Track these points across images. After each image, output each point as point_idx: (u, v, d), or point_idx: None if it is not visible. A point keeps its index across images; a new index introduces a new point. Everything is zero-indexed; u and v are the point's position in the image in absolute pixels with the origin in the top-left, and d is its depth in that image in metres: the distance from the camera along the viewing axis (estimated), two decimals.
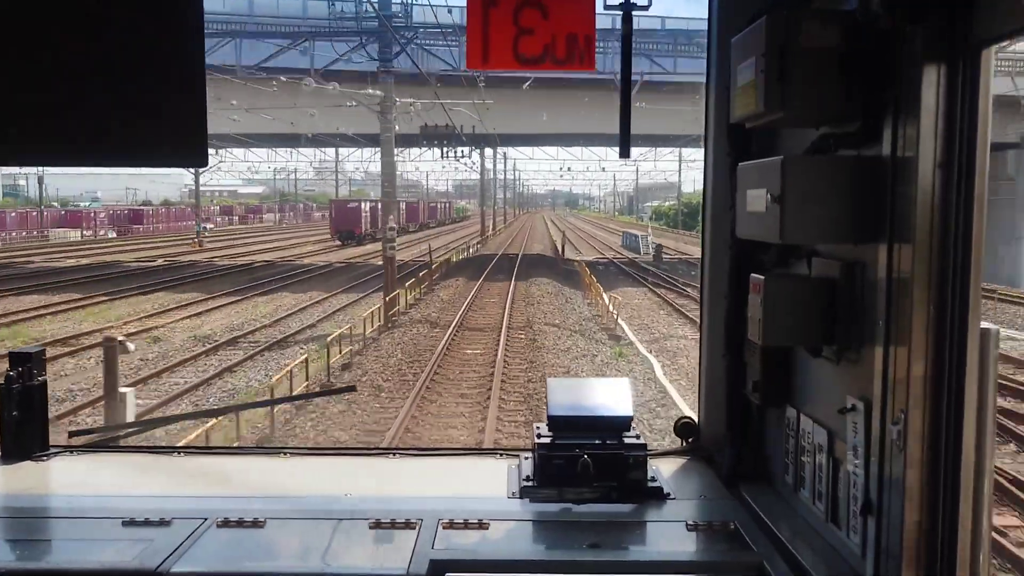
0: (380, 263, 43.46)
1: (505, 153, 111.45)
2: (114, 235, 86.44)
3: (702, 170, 3.01)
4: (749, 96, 2.25)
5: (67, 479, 3.02)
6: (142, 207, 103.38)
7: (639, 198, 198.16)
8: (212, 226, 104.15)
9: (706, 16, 2.88)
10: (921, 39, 1.80)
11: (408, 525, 2.50)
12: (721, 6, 2.80)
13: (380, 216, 78.91)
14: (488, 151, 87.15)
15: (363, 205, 74.82)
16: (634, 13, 2.93)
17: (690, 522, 2.57)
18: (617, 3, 2.90)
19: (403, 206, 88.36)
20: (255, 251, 63.93)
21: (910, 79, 1.83)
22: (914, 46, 1.81)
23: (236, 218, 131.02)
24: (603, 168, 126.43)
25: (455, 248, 65.20)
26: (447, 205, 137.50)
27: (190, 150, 1.89)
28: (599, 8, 2.81)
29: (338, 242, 70.51)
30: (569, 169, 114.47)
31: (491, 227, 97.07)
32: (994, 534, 8.37)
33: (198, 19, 1.83)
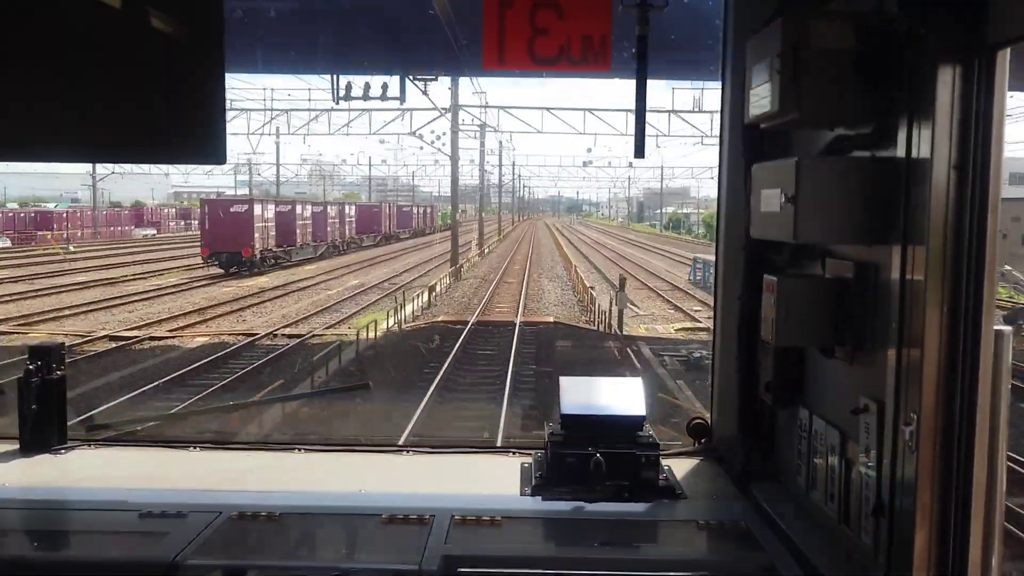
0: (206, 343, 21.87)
1: (502, 142, 79.63)
2: (8, 244, 63.73)
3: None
4: (764, 97, 2.25)
5: (85, 472, 3.06)
6: (51, 210, 77.31)
7: (648, 204, 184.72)
8: (154, 232, 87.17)
9: (721, 17, 2.88)
10: (936, 41, 1.80)
11: (421, 521, 2.52)
12: (736, 7, 2.80)
13: (306, 228, 47.64)
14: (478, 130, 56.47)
15: (259, 209, 43.55)
16: (650, 13, 2.94)
17: (701, 521, 2.57)
18: (634, 3, 2.90)
19: (351, 211, 62.56)
20: (50, 289, 34.48)
21: (925, 80, 1.83)
22: (929, 48, 1.81)
23: (195, 223, 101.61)
24: (630, 163, 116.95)
25: (395, 288, 34.31)
26: (427, 211, 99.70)
27: (209, 148, 1.96)
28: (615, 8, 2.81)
29: (220, 269, 41.56)
30: (589, 163, 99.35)
31: (474, 243, 60.52)
32: None
33: (219, 22, 1.86)
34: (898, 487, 1.95)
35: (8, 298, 32.01)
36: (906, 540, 1.91)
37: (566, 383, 3.02)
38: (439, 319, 26.97)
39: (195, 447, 3.39)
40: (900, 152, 1.95)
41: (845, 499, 2.27)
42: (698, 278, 41.12)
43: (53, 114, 1.96)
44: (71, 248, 59.43)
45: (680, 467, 3.01)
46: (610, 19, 2.82)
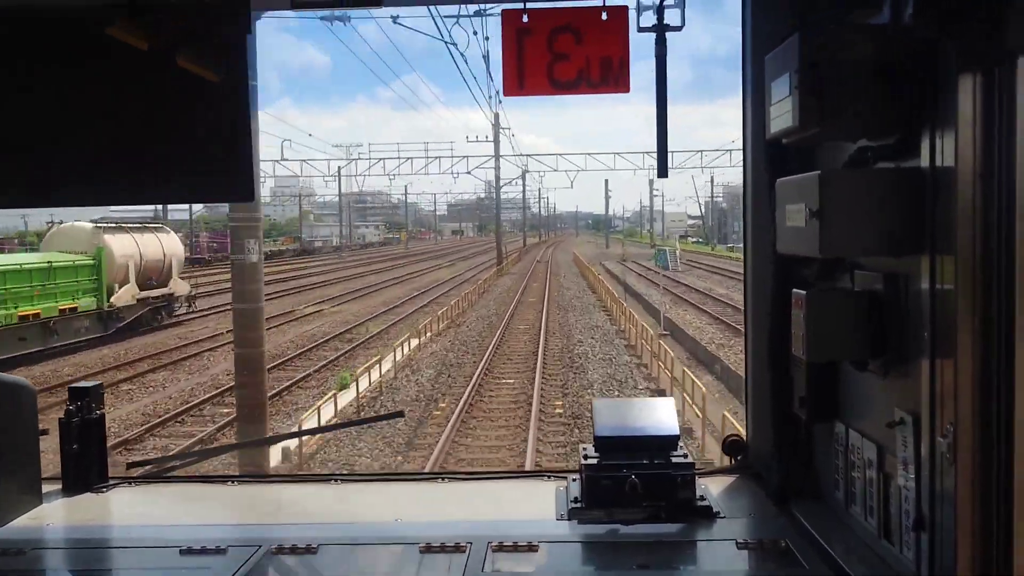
0: None
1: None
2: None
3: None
4: (784, 112, 2.25)
5: (126, 510, 3.09)
6: None
7: (734, 212, 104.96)
8: None
9: (739, 35, 2.89)
10: (955, 49, 1.80)
11: (458, 549, 2.52)
12: (754, 24, 2.81)
13: None
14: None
15: None
16: (667, 34, 2.96)
17: (740, 540, 2.55)
18: (650, 25, 2.93)
19: None
20: None
21: (946, 90, 1.83)
22: (948, 57, 1.81)
23: None
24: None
25: None
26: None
27: (238, 185, 2.07)
28: (632, 31, 2.85)
29: None
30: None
31: None
32: None
33: (244, 65, 1.93)
34: (938, 500, 1.92)
35: None
36: (948, 553, 1.88)
37: (599, 405, 3.01)
38: None
39: (233, 481, 3.41)
40: (924, 162, 1.94)
41: (885, 514, 2.24)
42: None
43: (87, 160, 2.05)
44: None
45: (716, 485, 2.99)
46: (627, 42, 2.84)
